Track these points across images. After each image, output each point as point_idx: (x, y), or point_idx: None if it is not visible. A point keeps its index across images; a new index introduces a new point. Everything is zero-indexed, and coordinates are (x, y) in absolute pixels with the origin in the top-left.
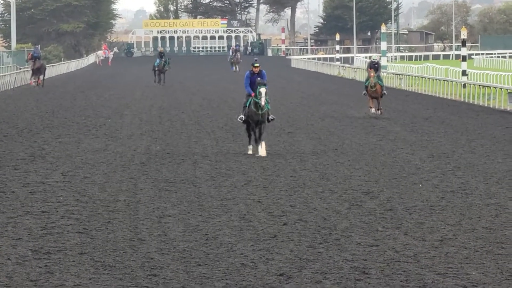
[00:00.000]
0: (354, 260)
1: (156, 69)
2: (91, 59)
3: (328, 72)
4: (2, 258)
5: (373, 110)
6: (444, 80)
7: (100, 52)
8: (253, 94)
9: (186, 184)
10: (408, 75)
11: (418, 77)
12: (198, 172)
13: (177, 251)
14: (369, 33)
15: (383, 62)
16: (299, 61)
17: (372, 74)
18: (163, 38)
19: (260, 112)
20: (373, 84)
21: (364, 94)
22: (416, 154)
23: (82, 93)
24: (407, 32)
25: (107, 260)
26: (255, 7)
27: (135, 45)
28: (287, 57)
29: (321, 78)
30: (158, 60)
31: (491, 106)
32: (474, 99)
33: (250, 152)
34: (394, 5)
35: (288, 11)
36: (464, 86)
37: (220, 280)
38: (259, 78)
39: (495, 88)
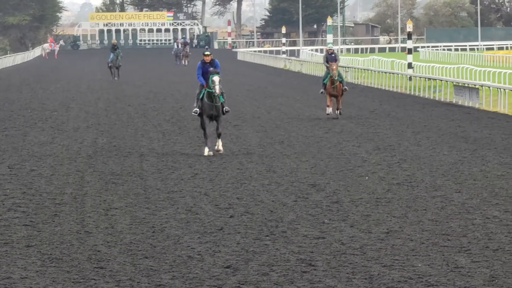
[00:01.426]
0: (300, 252)
1: (110, 64)
2: (37, 52)
3: (274, 65)
4: None
5: (330, 109)
6: (390, 73)
7: (46, 45)
8: (205, 85)
9: (133, 177)
10: (354, 68)
11: (364, 70)
12: (145, 165)
13: (124, 243)
14: (315, 26)
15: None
16: (245, 54)
17: (334, 67)
18: (109, 31)
19: (214, 103)
20: (334, 79)
21: (322, 92)
22: (362, 146)
23: (28, 86)
24: (353, 25)
25: (54, 253)
26: (201, 0)
27: (81, 38)
28: (233, 50)
29: (267, 71)
30: (111, 55)
31: (437, 98)
32: (420, 92)
33: (206, 153)
34: None
35: (234, 4)
36: (410, 78)
37: (167, 272)
38: (211, 68)
39: (441, 80)
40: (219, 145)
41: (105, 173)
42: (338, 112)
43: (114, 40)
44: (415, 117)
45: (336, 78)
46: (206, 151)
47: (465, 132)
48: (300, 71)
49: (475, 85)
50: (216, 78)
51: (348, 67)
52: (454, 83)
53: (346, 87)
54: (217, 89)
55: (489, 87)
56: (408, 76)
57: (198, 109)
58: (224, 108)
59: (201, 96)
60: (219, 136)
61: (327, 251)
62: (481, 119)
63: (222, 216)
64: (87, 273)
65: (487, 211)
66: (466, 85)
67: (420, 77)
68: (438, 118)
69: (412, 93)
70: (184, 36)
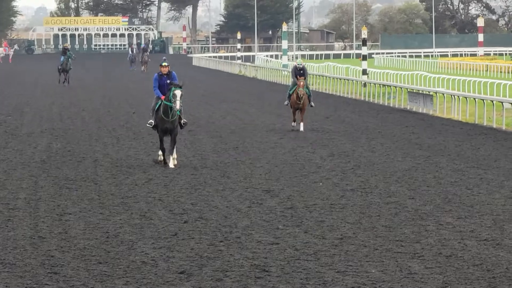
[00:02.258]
0: (254, 258)
1: (60, 67)
2: None
3: (230, 70)
4: None
5: (294, 123)
6: (344, 79)
7: (0, 50)
8: (162, 97)
9: (87, 182)
10: (309, 74)
11: (319, 76)
12: (99, 170)
13: (78, 249)
14: (270, 32)
15: (284, 60)
16: (200, 59)
17: (302, 83)
18: (64, 36)
19: (170, 119)
20: (301, 95)
21: (287, 104)
22: (316, 152)
23: None
24: (308, 31)
25: (7, 258)
26: (156, 5)
27: (35, 43)
28: (188, 55)
29: (222, 76)
30: (62, 58)
31: (391, 105)
32: (375, 98)
33: (160, 158)
34: (295, 4)
35: (189, 9)
36: (365, 85)
37: (120, 278)
38: (168, 80)
39: (395, 87)
40: (172, 160)
41: (59, 178)
42: (302, 124)
43: (66, 44)
44: (369, 124)
45: (302, 94)
46: (159, 155)
47: (419, 138)
48: (255, 77)
49: (429, 91)
50: (178, 92)
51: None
52: (409, 90)
53: (312, 103)
54: (177, 104)
55: (443, 93)
56: (362, 82)
57: (153, 121)
58: (181, 121)
59: (156, 108)
60: (171, 152)
61: (281, 256)
62: (435, 126)
63: (176, 222)
64: (41, 278)
65: (440, 217)
66: (420, 91)
67: (375, 84)
68: (392, 125)
69: (367, 100)
70: (139, 41)
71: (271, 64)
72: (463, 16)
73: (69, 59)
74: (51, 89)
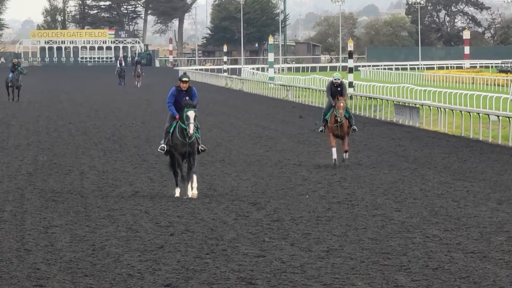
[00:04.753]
0: (241, 271)
1: (10, 84)
2: None
3: (216, 83)
4: None
5: (334, 153)
6: None
7: None
8: (177, 117)
9: (73, 195)
10: (295, 87)
11: (305, 88)
12: (85, 183)
13: (64, 261)
14: (256, 45)
15: (271, 73)
16: (186, 72)
17: (342, 104)
18: (50, 49)
19: (187, 141)
20: (341, 120)
21: (321, 131)
22: (303, 165)
23: None
24: (294, 44)
25: None
26: (143, 18)
27: (22, 56)
28: (174, 68)
29: (208, 89)
30: (11, 74)
31: (378, 117)
32: (361, 111)
33: (177, 194)
34: (281, 17)
35: (176, 22)
36: (351, 97)
37: None
38: (187, 98)
39: (381, 99)
40: (193, 189)
41: (45, 190)
42: (345, 154)
43: (15, 60)
44: (355, 136)
45: (342, 118)
46: (178, 192)
47: (405, 151)
48: (242, 89)
49: (415, 104)
50: (191, 114)
51: (289, 86)
52: (395, 102)
53: (355, 127)
54: (191, 128)
55: (429, 106)
56: (349, 95)
57: (165, 145)
58: (199, 147)
59: (171, 130)
60: (190, 178)
61: (268, 269)
62: (421, 138)
63: (162, 234)
64: None
65: (427, 230)
66: (406, 104)
67: (361, 96)
68: (379, 137)
69: (353, 112)
70: (125, 53)
71: (257, 77)
72: (449, 28)
73: (20, 75)
74: (38, 102)
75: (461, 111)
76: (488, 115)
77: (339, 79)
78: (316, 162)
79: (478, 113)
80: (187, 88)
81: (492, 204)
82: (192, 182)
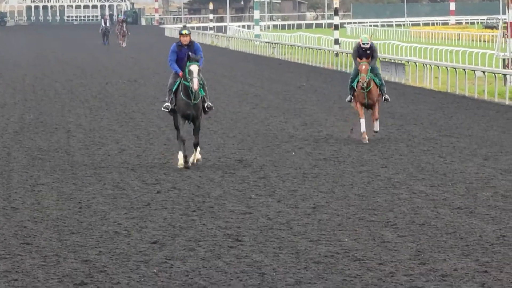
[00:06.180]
0: (227, 228)
1: None
2: None
3: (202, 41)
4: None
5: (363, 126)
6: (316, 49)
7: None
8: (181, 74)
9: (60, 153)
10: (281, 44)
11: (291, 46)
12: (72, 141)
13: (51, 219)
14: (242, 2)
15: (256, 31)
16: (172, 30)
17: (364, 67)
18: (36, 7)
19: (192, 101)
20: (365, 84)
21: (349, 101)
22: (289, 122)
23: None
24: (279, 1)
25: None
26: None
27: (8, 15)
28: (160, 26)
29: None
30: None
31: None
32: (347, 68)
33: (180, 162)
34: None
35: None
36: (337, 54)
37: (93, 248)
38: (190, 53)
39: None
40: (196, 156)
41: (32, 149)
42: (375, 126)
43: None
44: (341, 93)
45: (365, 82)
46: (181, 158)
47: (391, 107)
48: (228, 47)
49: (401, 60)
50: (194, 68)
51: (275, 43)
52: (381, 59)
53: (387, 96)
54: (194, 83)
55: (415, 62)
56: (335, 52)
57: (169, 104)
58: (205, 104)
59: (174, 89)
60: (195, 146)
61: (254, 226)
62: (408, 95)
63: (149, 192)
64: (13, 249)
65: (413, 186)
66: (392, 61)
67: (347, 53)
68: None
69: (339, 69)
70: (111, 12)
71: (243, 35)
72: None
73: None
74: (24, 60)
75: (446, 67)
76: (474, 71)
77: (367, 43)
78: (302, 120)
79: (464, 69)
80: (189, 42)
81: (478, 160)
82: (196, 148)
